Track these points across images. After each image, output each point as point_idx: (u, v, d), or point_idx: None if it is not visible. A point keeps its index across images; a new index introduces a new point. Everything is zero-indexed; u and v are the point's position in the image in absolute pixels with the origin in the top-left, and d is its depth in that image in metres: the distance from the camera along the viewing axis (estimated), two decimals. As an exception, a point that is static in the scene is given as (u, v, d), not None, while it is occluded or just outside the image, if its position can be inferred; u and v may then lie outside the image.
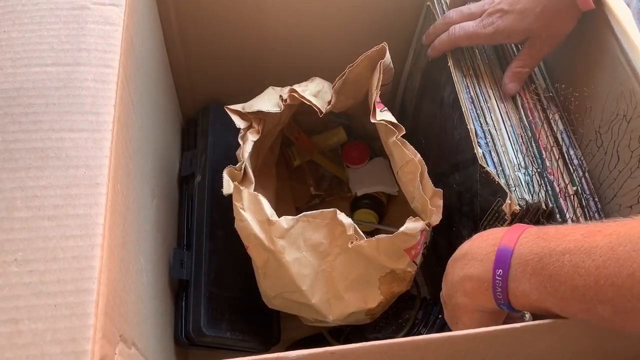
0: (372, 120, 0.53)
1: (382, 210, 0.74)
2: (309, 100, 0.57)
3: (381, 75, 0.54)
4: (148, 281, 0.46)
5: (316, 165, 0.77)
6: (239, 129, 0.56)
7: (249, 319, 0.60)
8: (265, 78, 0.65)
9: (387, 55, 0.55)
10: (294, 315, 0.58)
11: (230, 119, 0.57)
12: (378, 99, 0.54)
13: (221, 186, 0.55)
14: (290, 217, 0.51)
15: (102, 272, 0.32)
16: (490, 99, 0.55)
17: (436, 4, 0.62)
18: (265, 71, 0.71)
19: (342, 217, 0.51)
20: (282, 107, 0.57)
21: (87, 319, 0.31)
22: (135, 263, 0.42)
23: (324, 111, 0.57)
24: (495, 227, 0.49)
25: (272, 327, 0.63)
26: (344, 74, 0.56)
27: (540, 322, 0.38)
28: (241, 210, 0.52)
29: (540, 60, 0.55)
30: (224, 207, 0.58)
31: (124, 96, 0.40)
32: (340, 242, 0.51)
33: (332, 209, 0.51)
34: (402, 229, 0.49)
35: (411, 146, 0.52)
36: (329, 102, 0.58)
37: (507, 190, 0.47)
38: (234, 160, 0.56)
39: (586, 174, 0.51)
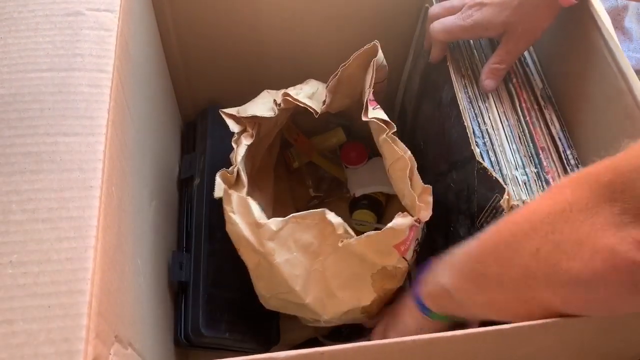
0: (364, 118, 0.54)
1: (381, 210, 0.74)
2: (303, 103, 0.57)
3: (374, 73, 0.55)
4: (146, 283, 0.47)
5: (315, 166, 0.77)
6: (234, 133, 0.57)
7: (248, 320, 0.61)
8: (263, 80, 0.66)
9: (380, 52, 0.56)
10: (294, 316, 0.59)
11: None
12: (371, 97, 0.54)
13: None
14: (280, 218, 0.52)
15: (95, 273, 0.33)
16: (488, 98, 0.55)
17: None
18: (263, 73, 0.71)
19: (331, 216, 0.51)
20: (277, 111, 0.57)
21: (80, 319, 0.31)
22: (132, 265, 0.42)
23: (319, 112, 0.58)
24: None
25: (272, 328, 0.63)
26: (337, 73, 0.57)
27: (533, 322, 0.38)
28: (231, 214, 0.52)
29: (517, 56, 0.55)
30: (223, 209, 0.58)
31: (118, 100, 0.40)
32: (331, 241, 0.51)
33: (321, 209, 0.51)
34: (389, 224, 0.49)
35: (402, 143, 0.52)
36: (324, 102, 0.58)
37: (504, 185, 0.47)
38: (231, 163, 0.56)
39: (582, 174, 0.51)
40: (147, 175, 0.51)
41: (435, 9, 0.59)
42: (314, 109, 0.57)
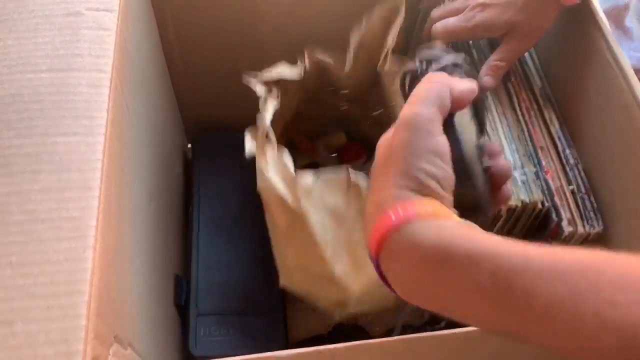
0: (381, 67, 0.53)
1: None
2: (328, 60, 0.56)
3: (400, 19, 0.54)
4: (146, 283, 0.47)
5: (317, 167, 0.77)
6: (260, 97, 0.55)
7: (249, 333, 0.60)
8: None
9: (402, 10, 0.55)
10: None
11: (218, 145, 0.57)
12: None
13: (211, 213, 0.58)
14: (311, 174, 0.49)
15: (95, 274, 0.33)
16: (486, 98, 0.55)
17: None
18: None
19: (355, 177, 0.49)
20: (303, 73, 0.57)
21: (80, 320, 0.31)
22: (131, 265, 0.42)
23: (346, 69, 0.56)
24: (493, 224, 0.49)
25: (276, 335, 0.63)
26: (362, 28, 0.56)
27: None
28: (264, 169, 0.50)
29: (519, 55, 0.55)
30: (213, 231, 0.62)
31: (117, 100, 0.40)
32: (356, 205, 0.49)
33: (344, 166, 0.49)
34: None
35: None
36: (349, 61, 0.57)
37: None
38: (225, 190, 0.57)
39: (582, 173, 0.51)
40: (146, 175, 0.51)
41: (437, 11, 0.59)
42: (338, 68, 0.56)
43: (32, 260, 0.33)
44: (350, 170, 0.49)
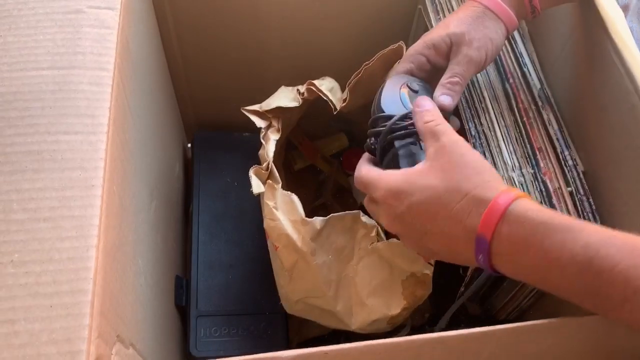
0: None
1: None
2: (325, 95, 0.56)
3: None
4: (147, 283, 0.47)
5: (316, 170, 0.77)
6: (260, 128, 0.56)
7: (249, 334, 0.60)
8: (262, 78, 0.66)
9: (404, 54, 0.55)
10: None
11: (217, 145, 0.57)
12: None
13: (211, 213, 0.58)
14: (322, 218, 0.51)
15: (98, 273, 0.33)
16: (484, 99, 0.55)
17: (428, 7, 0.61)
18: (262, 72, 0.71)
19: (366, 219, 0.50)
20: (300, 101, 0.57)
21: (83, 319, 0.31)
22: (133, 264, 0.42)
23: (338, 108, 0.57)
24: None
25: (278, 335, 0.63)
26: (360, 71, 0.56)
27: (538, 322, 0.38)
28: (274, 210, 0.50)
29: (473, 66, 0.49)
30: (213, 231, 0.62)
31: (119, 98, 0.40)
32: (363, 245, 0.50)
33: (356, 211, 0.51)
34: None
35: None
36: (344, 100, 0.57)
37: None
38: (223, 188, 0.57)
39: (581, 175, 0.50)
40: (148, 174, 0.51)
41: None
42: (334, 104, 0.56)
43: (34, 259, 0.33)
44: (361, 212, 0.50)
